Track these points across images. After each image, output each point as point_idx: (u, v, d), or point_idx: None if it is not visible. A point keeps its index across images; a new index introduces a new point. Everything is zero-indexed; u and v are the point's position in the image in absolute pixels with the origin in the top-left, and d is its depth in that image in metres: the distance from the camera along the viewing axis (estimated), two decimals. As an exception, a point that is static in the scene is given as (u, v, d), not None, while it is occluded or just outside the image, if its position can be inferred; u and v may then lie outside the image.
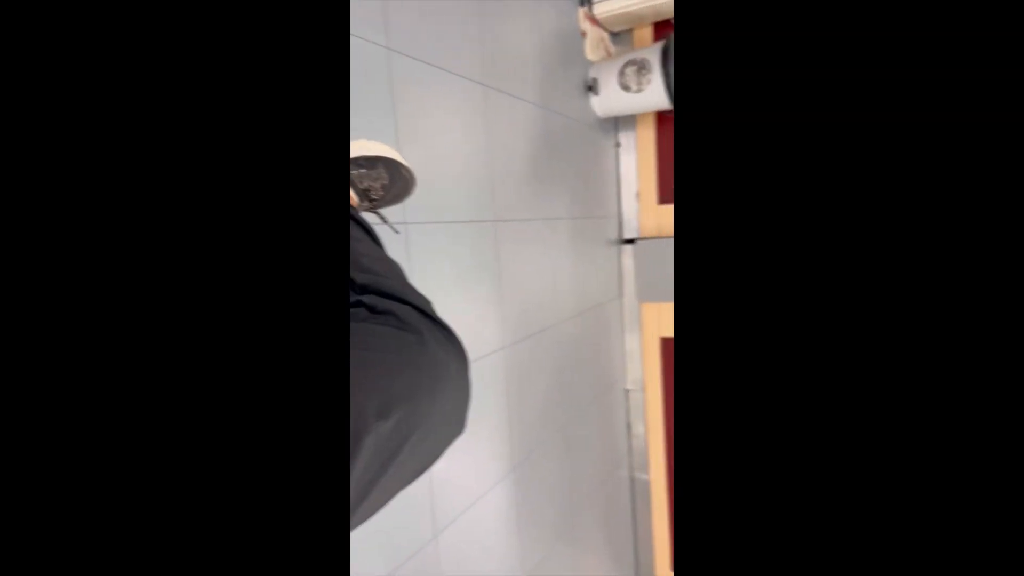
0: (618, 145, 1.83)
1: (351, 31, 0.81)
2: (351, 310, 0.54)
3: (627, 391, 1.89)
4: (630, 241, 1.82)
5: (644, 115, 1.76)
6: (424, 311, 0.56)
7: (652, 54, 1.50)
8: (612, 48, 1.75)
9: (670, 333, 1.79)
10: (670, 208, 1.76)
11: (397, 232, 0.86)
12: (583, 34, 1.59)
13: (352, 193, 0.75)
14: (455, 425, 0.57)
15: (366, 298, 0.55)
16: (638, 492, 1.90)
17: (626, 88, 1.55)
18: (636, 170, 1.81)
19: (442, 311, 0.60)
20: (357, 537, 0.80)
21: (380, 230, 0.68)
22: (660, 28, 1.73)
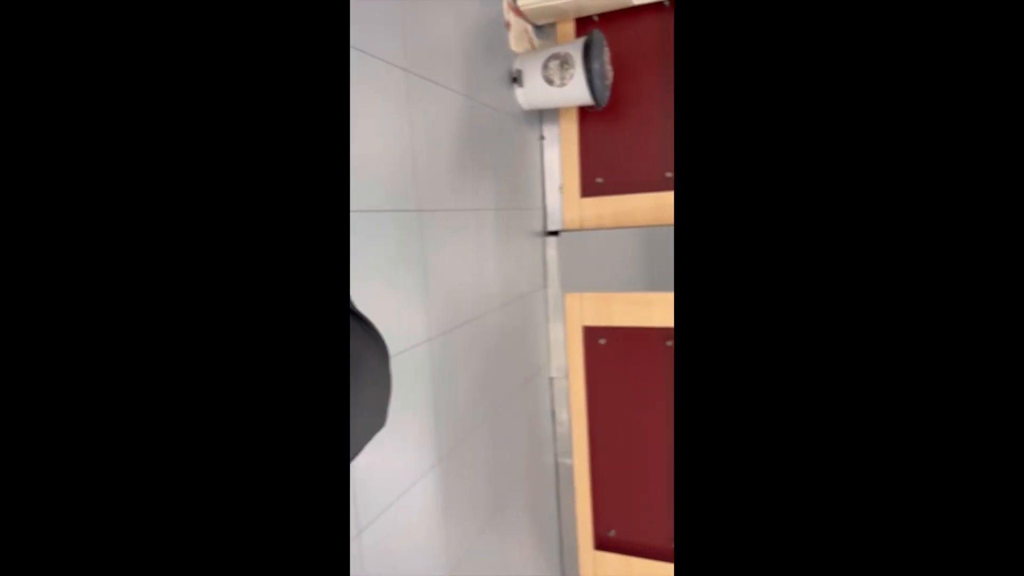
0: (542, 138, 1.86)
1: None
2: None
3: (551, 379, 1.94)
4: (554, 233, 1.87)
5: (567, 109, 1.80)
6: (341, 302, 0.54)
7: (575, 49, 1.53)
8: (536, 41, 1.77)
9: (592, 322, 1.86)
10: (592, 201, 1.82)
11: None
12: (507, 25, 1.59)
13: None
14: (375, 419, 0.55)
15: None
16: (562, 476, 1.96)
17: (549, 81, 1.58)
18: (560, 163, 1.85)
19: (364, 303, 0.58)
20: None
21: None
22: (582, 24, 1.77)
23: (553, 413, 1.95)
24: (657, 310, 1.75)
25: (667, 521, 1.84)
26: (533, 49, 1.72)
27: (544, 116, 1.84)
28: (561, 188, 1.85)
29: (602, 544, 1.93)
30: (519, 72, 1.61)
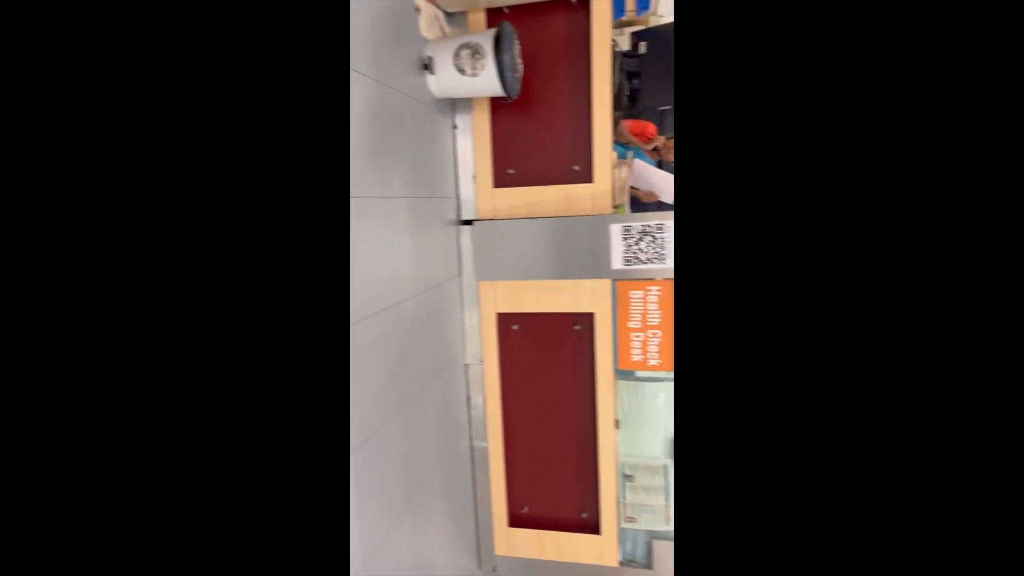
0: (455, 127, 1.86)
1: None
2: None
3: (467, 365, 1.97)
4: (468, 222, 1.89)
5: (480, 99, 1.82)
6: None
7: (486, 40, 1.55)
8: (447, 28, 1.76)
9: (505, 309, 1.91)
10: (504, 192, 1.86)
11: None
12: (417, 9, 1.57)
13: None
14: None
15: None
16: (477, 459, 2.02)
17: (461, 71, 1.58)
18: (473, 153, 1.87)
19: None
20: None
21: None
22: (492, 15, 1.78)
23: (468, 398, 1.99)
24: (565, 296, 1.84)
25: (575, 494, 1.96)
26: (444, 36, 1.71)
27: (456, 105, 1.85)
28: (474, 178, 1.88)
29: (516, 521, 2.01)
30: (430, 59, 1.59)
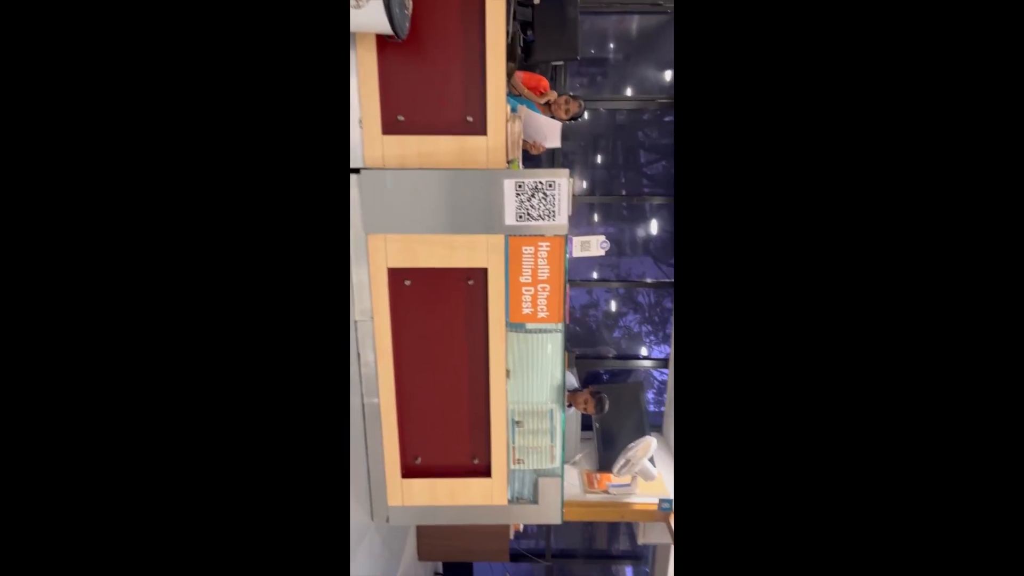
0: (338, 64, 1.70)
1: None
2: None
3: (356, 322, 1.91)
4: (355, 171, 1.77)
5: (365, 35, 1.67)
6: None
7: (371, -31, 1.41)
8: (327, -51, 1.57)
9: (396, 264, 1.86)
10: (394, 139, 1.76)
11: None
12: (290, -78, 1.37)
13: None
14: None
15: None
16: (368, 415, 1.99)
17: (344, 1, 1.43)
18: (358, 95, 1.73)
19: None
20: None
21: None
22: (380, -59, 1.62)
23: (359, 356, 1.94)
24: (459, 251, 1.84)
25: (468, 442, 2.04)
26: (323, -42, 1.52)
27: (339, 39, 1.68)
28: (361, 123, 1.75)
29: (409, 472, 2.05)
30: (307, -17, 1.42)
